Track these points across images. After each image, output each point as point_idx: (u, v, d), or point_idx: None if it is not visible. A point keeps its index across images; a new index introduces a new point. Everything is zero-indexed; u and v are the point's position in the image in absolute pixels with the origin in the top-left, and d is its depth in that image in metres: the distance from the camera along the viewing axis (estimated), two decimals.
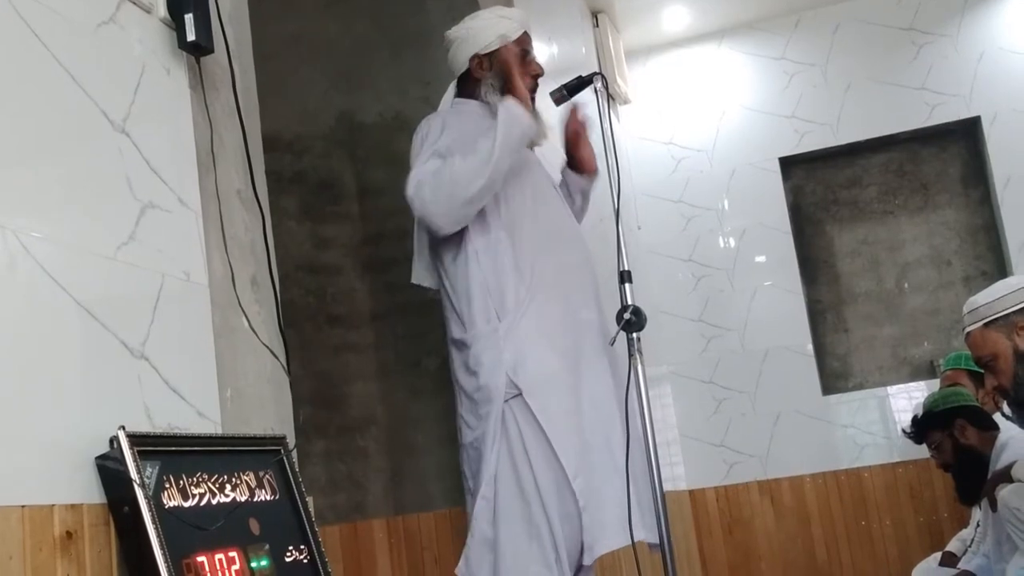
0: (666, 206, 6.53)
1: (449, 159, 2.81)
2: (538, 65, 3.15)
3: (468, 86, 3.14)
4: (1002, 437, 3.75)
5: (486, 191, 2.83)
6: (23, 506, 1.47)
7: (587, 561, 2.85)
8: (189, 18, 2.03)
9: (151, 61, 1.98)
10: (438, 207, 2.83)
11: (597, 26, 5.99)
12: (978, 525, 4.09)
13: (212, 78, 2.16)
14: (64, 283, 1.64)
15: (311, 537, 2.02)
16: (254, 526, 1.88)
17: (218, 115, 2.16)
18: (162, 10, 2.03)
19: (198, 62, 2.11)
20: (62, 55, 1.74)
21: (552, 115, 3.21)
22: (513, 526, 2.83)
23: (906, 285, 6.42)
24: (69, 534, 1.55)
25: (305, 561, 1.98)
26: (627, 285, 2.99)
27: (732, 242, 6.53)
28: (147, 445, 1.67)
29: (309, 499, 2.09)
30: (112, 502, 1.63)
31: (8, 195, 1.57)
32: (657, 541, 2.87)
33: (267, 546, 1.88)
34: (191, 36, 2.02)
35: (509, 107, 2.88)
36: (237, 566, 1.77)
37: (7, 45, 1.63)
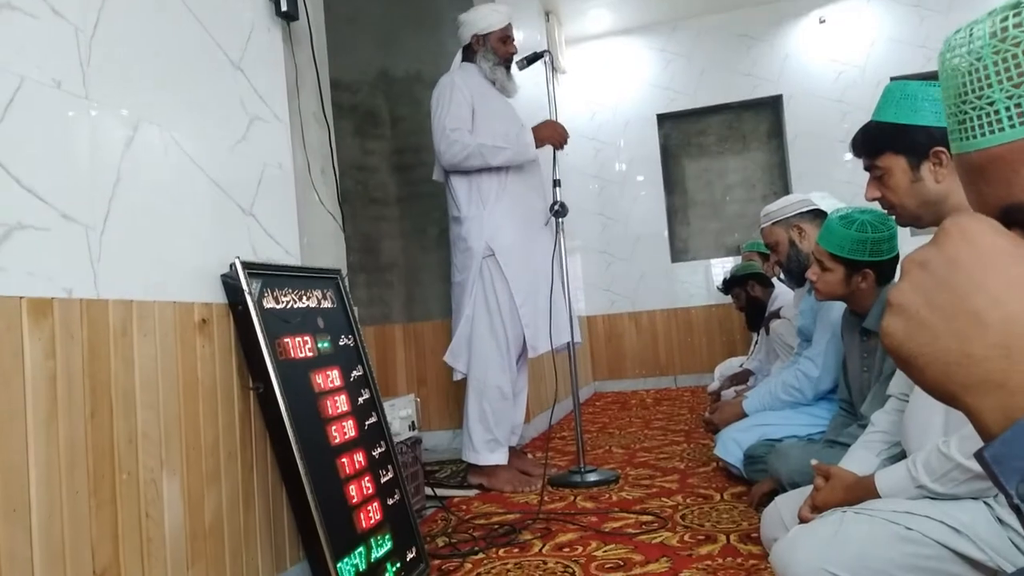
0: (584, 141, 6.44)
1: (476, 145, 2.81)
2: (514, 46, 3.07)
3: (469, 53, 3.06)
4: (775, 292, 3.82)
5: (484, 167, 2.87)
6: (175, 302, 1.46)
7: (531, 355, 2.93)
8: None
9: (257, 23, 1.87)
10: (455, 163, 2.85)
11: (548, 21, 5.79)
12: (756, 342, 4.21)
13: (298, 36, 2.06)
14: (201, 165, 1.59)
15: (355, 331, 2.02)
16: (320, 322, 1.88)
17: (301, 62, 2.07)
18: None
19: (288, 25, 2.01)
20: (203, 18, 1.65)
21: (518, 76, 3.13)
22: (482, 330, 2.88)
23: (727, 198, 6.44)
24: (204, 320, 1.54)
25: (352, 345, 2.00)
26: (558, 189, 2.99)
27: (624, 167, 6.48)
28: (254, 269, 1.66)
29: (355, 308, 2.09)
30: (231, 303, 1.62)
31: (166, 108, 1.51)
32: (568, 342, 2.95)
33: (328, 335, 1.89)
34: (284, 7, 1.92)
35: (528, 146, 2.88)
36: (309, 345, 1.78)
37: (168, 13, 1.54)
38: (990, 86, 0.51)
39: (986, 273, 0.42)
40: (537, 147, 2.93)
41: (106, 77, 1.35)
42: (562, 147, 3.00)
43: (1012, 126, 0.49)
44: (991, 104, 0.51)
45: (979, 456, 0.41)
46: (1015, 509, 0.39)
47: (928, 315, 0.44)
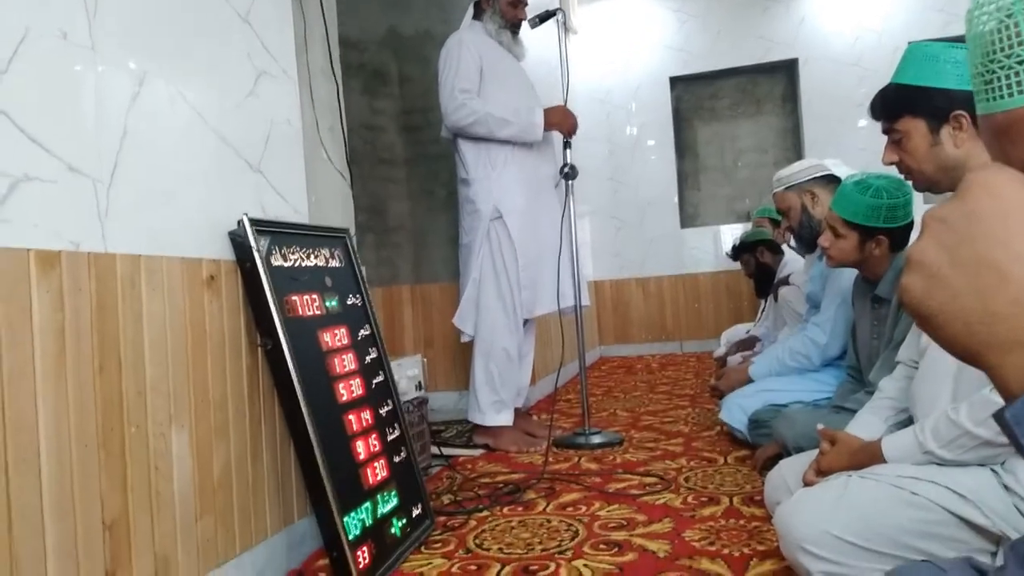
0: (595, 104, 6.35)
1: (484, 114, 2.77)
2: (524, 11, 3.01)
3: (478, 11, 3.00)
4: (785, 259, 3.80)
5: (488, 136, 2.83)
6: (182, 257, 1.46)
7: (526, 315, 2.92)
8: None
9: None
10: (460, 127, 2.80)
11: None
12: (763, 309, 4.20)
13: None
14: (208, 120, 1.57)
15: (363, 290, 2.02)
16: (328, 281, 1.87)
17: (310, 17, 2.03)
18: None
19: None
20: None
21: (528, 36, 3.08)
22: (489, 292, 2.87)
23: (739, 163, 6.37)
24: (212, 277, 1.54)
25: (359, 304, 2.00)
26: (568, 151, 2.96)
27: (635, 131, 6.41)
28: (262, 226, 1.65)
29: (363, 268, 2.08)
30: (239, 260, 1.62)
31: (173, 61, 1.48)
32: (572, 304, 2.94)
33: (336, 293, 1.89)
34: None
35: (536, 127, 2.84)
36: (317, 303, 1.78)
37: None
38: (1020, 44, 0.48)
39: (1009, 227, 0.41)
40: (545, 130, 2.88)
41: (112, 29, 1.33)
42: (571, 136, 2.95)
43: None
44: (1021, 63, 0.48)
45: (999, 416, 0.40)
46: None
47: (949, 271, 0.42)
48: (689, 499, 2.07)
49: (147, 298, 1.35)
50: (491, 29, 2.94)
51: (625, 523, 1.90)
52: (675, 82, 6.33)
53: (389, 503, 1.79)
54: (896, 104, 1.37)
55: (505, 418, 2.88)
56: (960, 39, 1.32)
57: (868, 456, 1.34)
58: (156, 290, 1.37)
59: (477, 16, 3.00)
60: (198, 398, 1.47)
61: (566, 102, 2.97)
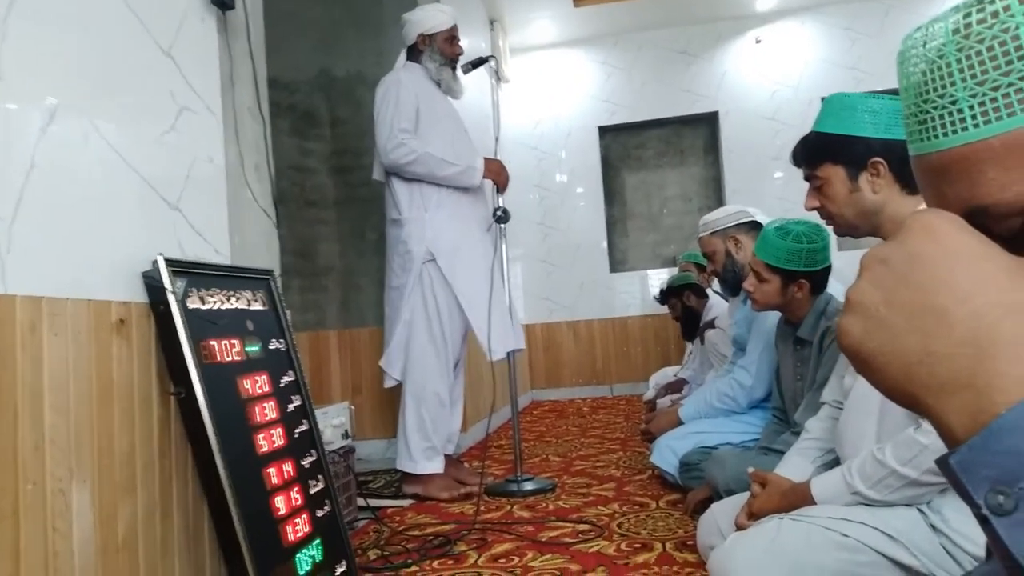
0: (526, 151, 6.46)
1: (424, 153, 2.75)
2: (460, 47, 3.03)
3: (414, 53, 3.00)
4: (710, 303, 3.88)
5: (426, 177, 2.80)
6: (90, 300, 1.36)
7: (493, 358, 2.78)
8: None
9: (190, 11, 1.78)
10: (399, 165, 2.77)
11: (493, 30, 5.79)
12: (691, 352, 4.26)
13: (233, 27, 1.97)
14: (124, 155, 1.50)
15: (287, 335, 1.94)
16: (250, 325, 1.79)
17: (236, 53, 1.98)
18: None
19: (224, 14, 1.91)
20: (132, 4, 1.55)
21: (462, 81, 3.10)
22: (421, 335, 2.82)
23: (664, 211, 6.54)
24: (122, 320, 1.45)
25: (283, 350, 1.91)
26: (500, 196, 2.96)
27: (565, 177, 6.52)
28: (178, 267, 1.56)
29: (288, 311, 2.01)
30: (153, 302, 1.52)
31: (87, 94, 1.41)
32: (512, 348, 2.90)
33: (258, 338, 1.80)
34: None
35: (476, 172, 2.86)
36: (237, 348, 1.69)
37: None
38: (952, 84, 0.48)
39: (952, 269, 0.40)
40: (483, 178, 2.91)
41: (21, 60, 1.25)
42: (503, 190, 2.97)
43: (976, 125, 0.47)
44: (954, 103, 0.48)
45: (943, 463, 0.39)
46: (982, 520, 0.37)
47: (888, 313, 0.41)
48: (622, 546, 2.04)
49: (48, 343, 1.25)
50: (431, 68, 2.94)
51: (559, 573, 1.86)
52: (603, 131, 6.50)
53: (312, 561, 1.69)
54: (816, 152, 1.42)
55: (436, 465, 2.80)
56: (878, 92, 1.38)
57: (798, 497, 1.35)
58: (59, 335, 1.28)
59: (413, 59, 3.00)
60: (102, 451, 1.37)
61: (496, 149, 2.99)
